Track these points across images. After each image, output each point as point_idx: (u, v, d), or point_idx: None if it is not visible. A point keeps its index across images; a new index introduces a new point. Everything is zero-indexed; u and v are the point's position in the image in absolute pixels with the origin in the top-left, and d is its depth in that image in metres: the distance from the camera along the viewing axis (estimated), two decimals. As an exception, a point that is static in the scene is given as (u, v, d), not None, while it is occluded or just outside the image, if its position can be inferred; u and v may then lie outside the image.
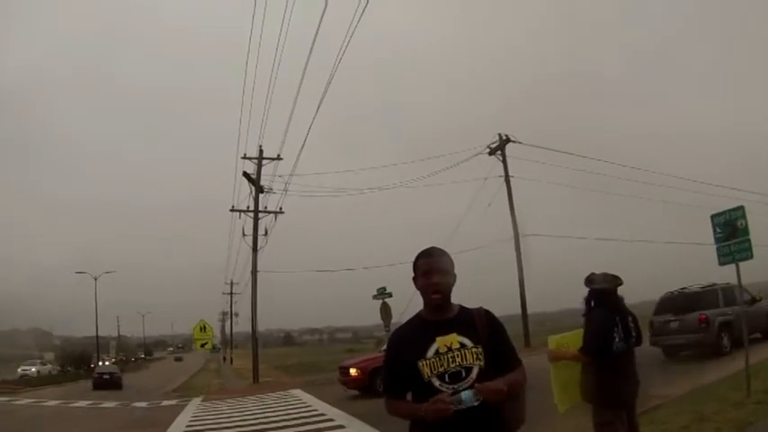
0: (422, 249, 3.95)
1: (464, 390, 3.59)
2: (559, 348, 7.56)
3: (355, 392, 22.97)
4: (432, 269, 3.80)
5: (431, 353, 3.71)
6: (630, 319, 7.17)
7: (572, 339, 7.49)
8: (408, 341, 3.83)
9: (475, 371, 3.68)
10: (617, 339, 6.90)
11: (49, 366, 75.22)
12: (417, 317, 3.95)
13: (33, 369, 67.23)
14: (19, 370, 66.09)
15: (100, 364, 71.91)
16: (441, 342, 3.72)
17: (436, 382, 3.67)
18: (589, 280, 7.30)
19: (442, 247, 3.97)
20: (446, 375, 3.67)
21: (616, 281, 7.23)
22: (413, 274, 3.95)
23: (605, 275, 7.27)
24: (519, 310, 41.04)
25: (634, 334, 7.16)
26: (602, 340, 6.88)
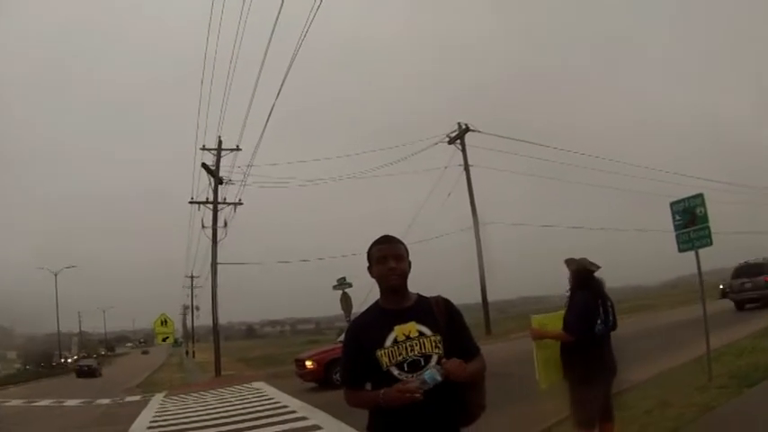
0: (376, 238, 3.90)
1: (426, 371, 3.55)
2: (542, 327, 7.64)
3: (313, 385, 22.85)
4: (387, 255, 3.75)
5: (389, 342, 3.65)
6: (609, 303, 7.26)
7: (553, 320, 7.61)
8: (366, 330, 3.77)
9: (434, 359, 3.62)
10: (599, 321, 6.99)
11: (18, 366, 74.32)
12: (375, 306, 3.89)
13: None
14: None
15: (76, 357, 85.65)
16: (399, 331, 3.66)
17: (395, 371, 3.61)
18: (569, 262, 7.38)
19: (395, 235, 3.91)
20: (405, 364, 3.61)
21: (594, 265, 7.32)
22: (367, 264, 3.89)
23: (584, 259, 7.36)
24: (480, 299, 41.25)
25: (611, 318, 7.25)
26: (585, 321, 6.99)
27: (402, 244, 3.86)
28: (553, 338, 7.43)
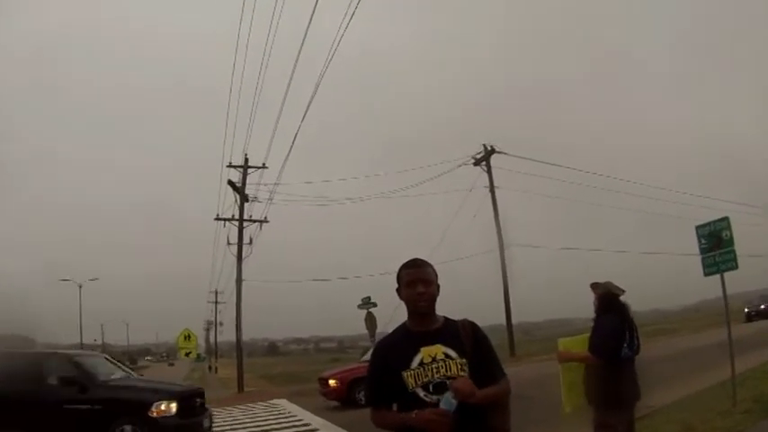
0: (405, 260, 3.93)
1: (442, 399, 3.57)
2: (568, 350, 7.64)
3: (336, 403, 22.82)
4: (415, 279, 3.79)
5: (415, 363, 3.69)
6: (634, 327, 7.25)
7: (579, 343, 7.58)
8: (393, 351, 3.81)
9: (450, 383, 3.63)
10: (624, 345, 6.99)
11: None
12: (402, 327, 3.93)
13: None
14: None
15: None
16: (425, 352, 3.70)
17: (420, 393, 3.65)
18: (595, 286, 7.39)
19: (424, 258, 3.94)
20: (430, 386, 3.65)
21: (620, 290, 7.33)
22: (396, 286, 3.92)
23: (610, 283, 7.37)
24: (504, 320, 41.06)
25: (636, 342, 7.24)
26: (611, 344, 6.96)
27: (431, 267, 3.89)
28: (579, 361, 7.42)
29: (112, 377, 15.12)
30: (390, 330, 4.10)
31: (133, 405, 13.84)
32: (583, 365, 7.37)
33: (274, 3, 19.42)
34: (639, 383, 7.30)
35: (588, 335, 7.43)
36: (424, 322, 3.81)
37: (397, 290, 3.91)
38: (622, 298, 7.36)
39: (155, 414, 13.53)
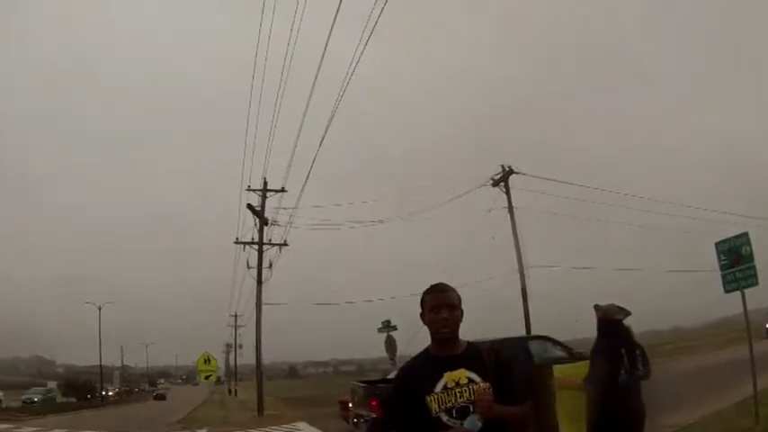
0: (430, 285, 3.96)
1: (466, 420, 3.62)
2: (566, 378, 7.56)
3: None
4: (440, 304, 3.82)
5: (439, 388, 3.73)
6: (638, 351, 7.12)
7: (578, 370, 7.49)
8: (416, 376, 3.85)
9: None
10: (623, 371, 6.86)
11: (54, 393, 74.27)
12: (425, 352, 3.97)
13: (37, 398, 66.10)
14: (22, 397, 64.85)
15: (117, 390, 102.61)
16: (449, 377, 3.74)
17: (444, 417, 3.69)
18: (596, 308, 7.29)
19: (448, 283, 3.97)
20: (454, 410, 3.69)
21: (624, 312, 7.20)
22: (420, 310, 3.95)
23: (611, 306, 7.26)
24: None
25: (641, 366, 7.11)
26: (606, 371, 6.85)
27: (455, 292, 3.92)
28: (576, 389, 7.35)
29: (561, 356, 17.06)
30: (411, 354, 4.13)
31: None
32: (582, 395, 7.28)
33: (291, 26, 19.55)
34: (645, 410, 7.17)
35: (585, 363, 7.35)
36: (447, 347, 3.85)
37: (421, 314, 3.95)
38: (628, 320, 7.26)
39: None
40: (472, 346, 3.93)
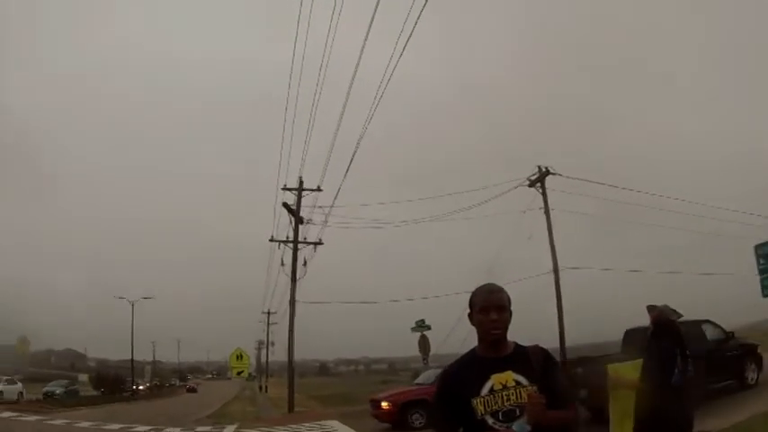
0: (480, 285, 3.92)
1: (515, 423, 3.55)
2: (618, 376, 7.54)
3: (387, 425, 22.80)
4: (489, 305, 3.76)
5: (485, 390, 3.67)
6: (688, 353, 7.10)
7: (630, 369, 7.48)
8: (462, 378, 3.79)
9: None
10: (676, 371, 6.83)
11: (77, 386, 74.31)
12: (471, 353, 3.90)
13: (59, 390, 66.06)
14: (44, 389, 64.57)
15: (148, 384, 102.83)
16: (496, 379, 3.68)
17: (490, 420, 3.63)
18: (650, 309, 7.26)
19: (498, 284, 3.91)
20: (500, 414, 3.63)
21: (677, 314, 7.18)
22: (468, 310, 3.89)
23: (665, 307, 7.22)
24: (556, 344, 40.59)
25: (691, 368, 7.08)
26: (662, 369, 6.82)
27: (505, 294, 3.86)
28: (629, 387, 7.30)
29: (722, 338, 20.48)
30: (443, 354, 4.08)
31: (749, 349, 20.10)
32: (633, 395, 7.24)
33: (327, 30, 19.61)
34: (693, 412, 7.14)
35: (639, 362, 7.32)
36: (495, 349, 3.79)
37: (469, 315, 3.89)
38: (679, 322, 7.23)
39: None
40: (520, 347, 3.87)
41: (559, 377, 3.89)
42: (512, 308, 3.87)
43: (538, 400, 3.56)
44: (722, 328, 20.37)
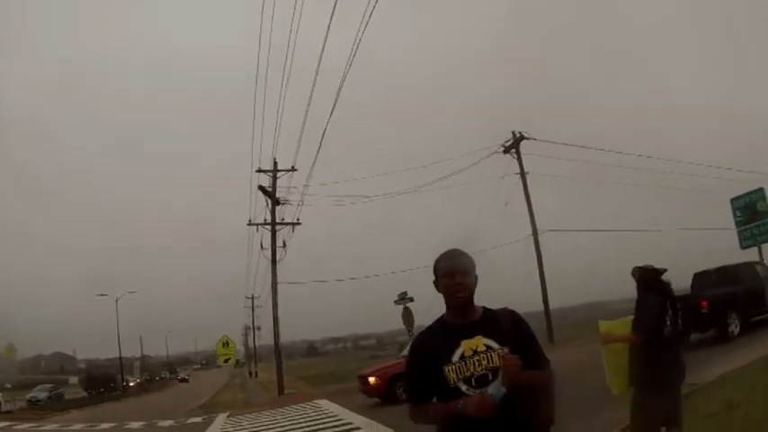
0: (441, 252, 3.85)
1: (490, 385, 3.52)
2: (609, 332, 7.59)
3: (377, 400, 22.88)
4: (453, 270, 3.70)
5: (456, 357, 3.61)
6: (678, 306, 7.16)
7: (621, 326, 7.53)
8: (432, 346, 3.73)
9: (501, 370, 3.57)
10: (667, 323, 6.90)
11: (62, 390, 73.55)
12: (440, 321, 3.84)
13: (42, 395, 65.08)
14: (28, 396, 62.34)
15: (138, 380, 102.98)
16: (466, 345, 3.62)
17: (463, 387, 3.58)
18: (634, 272, 7.32)
19: (461, 249, 3.87)
20: (473, 379, 3.57)
21: (661, 270, 7.24)
22: (433, 278, 3.85)
23: (650, 266, 7.29)
24: (541, 306, 40.84)
25: (680, 322, 7.15)
26: (653, 323, 6.89)
27: (468, 258, 3.80)
28: (621, 341, 7.35)
29: None
30: (428, 324, 4.03)
31: None
32: (627, 348, 7.29)
33: (293, 10, 19.52)
34: (685, 365, 7.21)
35: (630, 318, 7.36)
36: (462, 314, 3.73)
37: (435, 282, 3.83)
38: (665, 276, 7.27)
39: None
40: (488, 311, 3.81)
41: (532, 338, 3.85)
42: (477, 273, 3.80)
43: (513, 362, 3.52)
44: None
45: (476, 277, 3.77)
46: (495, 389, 3.47)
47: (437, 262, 3.82)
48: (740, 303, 21.26)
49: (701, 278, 22.34)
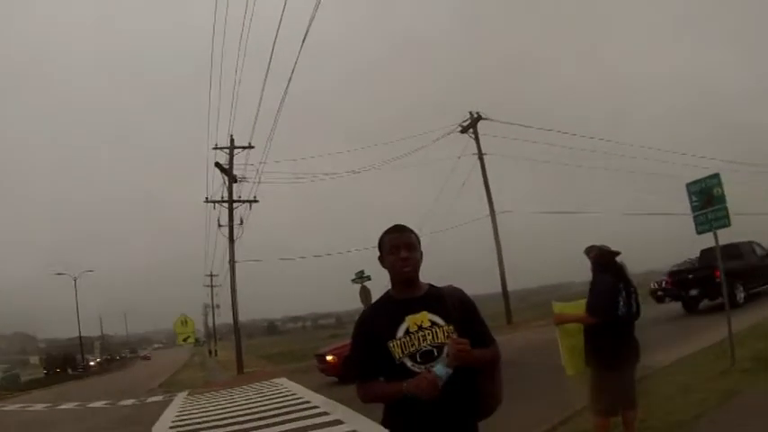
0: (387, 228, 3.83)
1: (435, 366, 3.48)
2: (564, 313, 7.64)
3: (334, 379, 22.89)
4: (398, 244, 3.68)
5: (401, 332, 3.58)
6: (632, 288, 7.22)
7: (575, 308, 7.59)
8: (377, 322, 3.69)
9: (446, 349, 3.52)
10: (621, 304, 6.96)
11: (17, 371, 72.42)
12: (385, 296, 3.81)
13: None
14: None
15: (99, 360, 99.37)
16: (411, 321, 3.58)
17: (408, 363, 3.54)
18: (589, 250, 7.37)
19: (414, 228, 3.85)
20: (418, 355, 3.54)
21: (615, 252, 7.30)
22: (378, 254, 3.82)
23: (604, 246, 7.34)
24: (499, 288, 41.05)
25: (635, 303, 7.20)
26: (606, 302, 6.95)
27: (414, 233, 3.79)
28: (575, 322, 7.42)
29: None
30: None
31: None
32: (582, 329, 7.34)
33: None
34: (639, 345, 7.28)
35: (584, 300, 7.41)
36: (408, 290, 3.70)
37: (380, 258, 3.81)
38: (619, 259, 7.33)
39: None
40: (434, 288, 3.79)
41: (478, 316, 3.83)
42: (421, 249, 3.80)
43: (461, 344, 3.49)
44: (763, 247, 27.46)
45: (421, 253, 3.76)
46: (441, 370, 3.44)
47: (382, 236, 3.79)
48: (744, 275, 24.39)
49: (708, 253, 24.24)
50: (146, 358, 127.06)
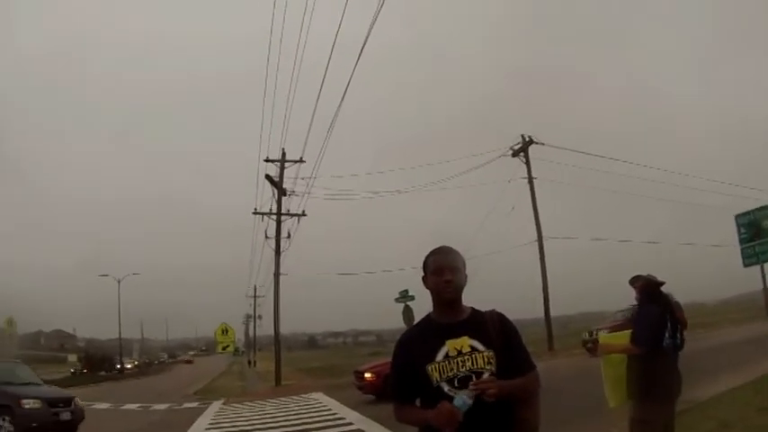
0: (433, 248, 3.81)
1: (456, 397, 3.44)
2: (609, 343, 7.60)
3: (371, 397, 22.78)
4: (442, 266, 3.66)
5: (440, 356, 3.56)
6: (677, 319, 7.16)
7: (621, 338, 7.55)
8: (417, 344, 3.68)
9: (485, 376, 3.51)
10: (666, 335, 6.88)
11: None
12: (426, 319, 3.80)
13: None
14: None
15: (136, 362, 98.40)
16: (451, 345, 3.57)
17: (445, 387, 3.52)
18: (635, 279, 7.30)
19: (452, 246, 3.83)
20: (455, 380, 3.52)
21: (661, 282, 7.24)
22: (422, 274, 3.81)
23: (651, 276, 7.28)
24: (541, 314, 40.72)
25: (680, 335, 7.13)
26: (652, 333, 6.88)
27: (459, 255, 3.76)
28: (621, 352, 7.35)
29: None
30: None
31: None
32: (625, 360, 7.27)
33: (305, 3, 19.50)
34: (682, 378, 7.19)
35: (629, 331, 7.34)
36: (450, 313, 3.68)
37: (423, 278, 3.80)
38: (663, 289, 7.26)
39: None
40: (476, 312, 3.76)
41: (519, 342, 3.78)
42: (467, 271, 3.76)
43: (487, 385, 3.44)
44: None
45: (465, 276, 3.73)
46: (460, 400, 3.40)
47: (426, 257, 3.78)
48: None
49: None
50: (188, 362, 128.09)
